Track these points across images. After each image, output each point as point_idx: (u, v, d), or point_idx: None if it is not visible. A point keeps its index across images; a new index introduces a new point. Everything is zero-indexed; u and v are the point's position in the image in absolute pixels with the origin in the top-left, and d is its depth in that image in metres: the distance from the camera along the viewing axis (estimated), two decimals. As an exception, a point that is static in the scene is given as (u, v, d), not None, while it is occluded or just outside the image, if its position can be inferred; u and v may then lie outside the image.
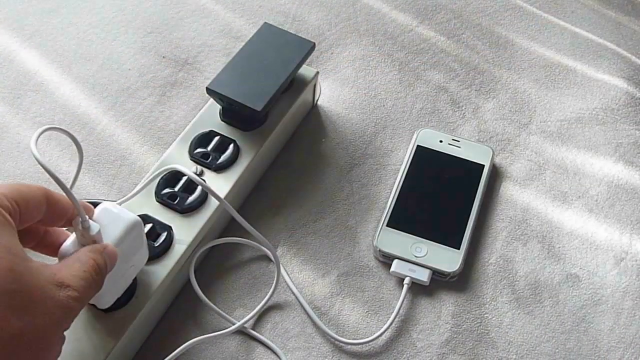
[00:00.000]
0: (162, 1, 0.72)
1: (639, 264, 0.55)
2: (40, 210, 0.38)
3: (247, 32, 0.69)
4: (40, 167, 0.37)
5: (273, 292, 0.51)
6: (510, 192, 0.59)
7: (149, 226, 0.49)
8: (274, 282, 0.51)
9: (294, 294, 0.52)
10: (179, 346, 0.48)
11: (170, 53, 0.68)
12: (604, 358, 0.50)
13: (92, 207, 0.42)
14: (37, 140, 0.37)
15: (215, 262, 0.54)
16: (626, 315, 0.52)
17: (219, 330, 0.50)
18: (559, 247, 0.56)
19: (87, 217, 0.39)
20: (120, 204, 0.45)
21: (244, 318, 0.50)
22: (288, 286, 0.53)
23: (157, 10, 0.72)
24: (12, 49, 0.67)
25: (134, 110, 0.63)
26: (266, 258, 0.54)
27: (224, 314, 0.50)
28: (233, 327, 0.49)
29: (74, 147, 0.44)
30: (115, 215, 0.41)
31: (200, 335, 0.49)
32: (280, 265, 0.53)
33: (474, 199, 0.57)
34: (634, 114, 0.65)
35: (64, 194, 0.38)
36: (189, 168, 0.53)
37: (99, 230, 0.39)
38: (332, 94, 0.66)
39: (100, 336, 0.44)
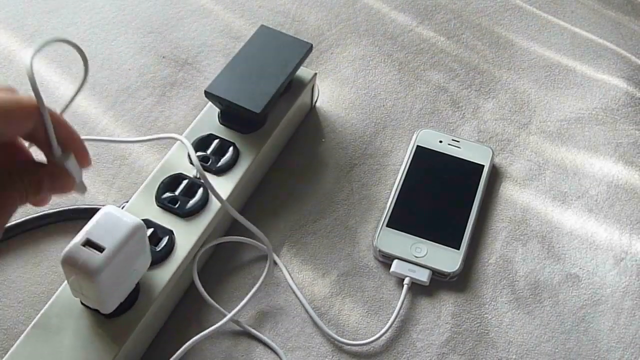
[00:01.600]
0: (162, 1, 0.72)
1: (639, 264, 0.55)
2: (25, 125, 0.36)
3: (247, 32, 0.69)
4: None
5: (265, 279, 0.51)
6: (510, 192, 0.59)
7: (150, 231, 0.49)
8: (266, 267, 0.51)
9: (294, 294, 0.52)
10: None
11: (170, 53, 0.68)
12: (604, 358, 0.50)
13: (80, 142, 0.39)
14: (35, 53, 0.35)
15: (217, 264, 0.54)
16: (626, 315, 0.52)
17: (224, 333, 0.50)
18: (559, 247, 0.56)
19: (57, 146, 0.37)
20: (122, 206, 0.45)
21: (248, 319, 0.50)
22: (289, 285, 0.53)
23: (157, 10, 0.72)
24: (12, 49, 0.67)
25: (134, 110, 0.63)
26: (268, 258, 0.54)
27: (228, 314, 0.50)
28: (224, 319, 0.49)
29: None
30: (118, 219, 0.41)
31: (204, 336, 0.49)
32: (282, 266, 0.53)
33: (473, 199, 0.57)
34: (634, 114, 0.65)
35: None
36: (189, 172, 0.53)
37: (73, 159, 0.38)
38: (331, 94, 0.66)
39: (104, 342, 0.44)
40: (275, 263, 0.53)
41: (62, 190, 0.38)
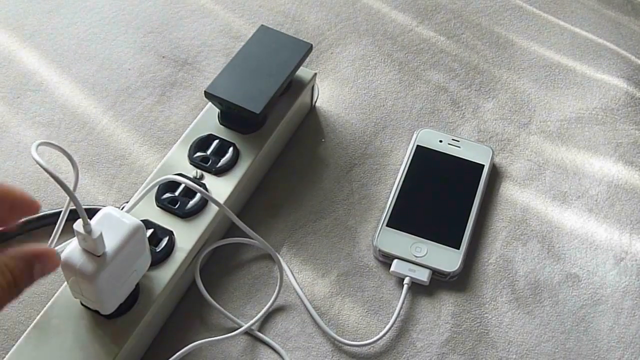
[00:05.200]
0: (162, 1, 0.72)
1: (639, 264, 0.55)
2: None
3: (247, 32, 0.69)
4: (40, 168, 0.37)
5: (277, 295, 0.51)
6: (510, 192, 0.59)
7: (150, 231, 0.49)
8: (278, 284, 0.51)
9: (297, 294, 0.52)
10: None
11: (170, 53, 0.68)
12: (604, 358, 0.50)
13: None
14: (36, 149, 0.37)
15: (218, 263, 0.54)
16: (626, 315, 0.53)
17: (225, 331, 0.50)
18: (559, 247, 0.56)
19: (89, 220, 0.39)
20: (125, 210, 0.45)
21: (248, 319, 0.50)
22: (291, 286, 0.53)
23: (157, 10, 0.72)
24: (12, 49, 0.67)
25: (134, 110, 0.63)
26: (267, 258, 0.54)
27: (230, 315, 0.50)
28: (240, 329, 0.49)
29: (73, 146, 0.44)
30: (117, 220, 0.41)
31: (207, 337, 0.49)
32: (284, 266, 0.53)
33: (473, 199, 0.57)
34: (633, 114, 0.65)
35: (67, 196, 0.37)
36: (189, 172, 0.53)
37: (101, 235, 0.39)
38: (331, 94, 0.66)
39: (104, 343, 0.44)
40: (280, 270, 0.52)
41: (49, 272, 0.38)
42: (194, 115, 0.61)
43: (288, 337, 0.50)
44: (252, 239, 0.50)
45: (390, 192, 0.58)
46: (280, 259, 0.51)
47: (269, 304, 0.51)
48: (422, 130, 0.62)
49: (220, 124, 0.56)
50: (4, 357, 0.44)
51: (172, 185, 0.52)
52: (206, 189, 0.52)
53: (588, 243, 0.56)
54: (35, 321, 0.45)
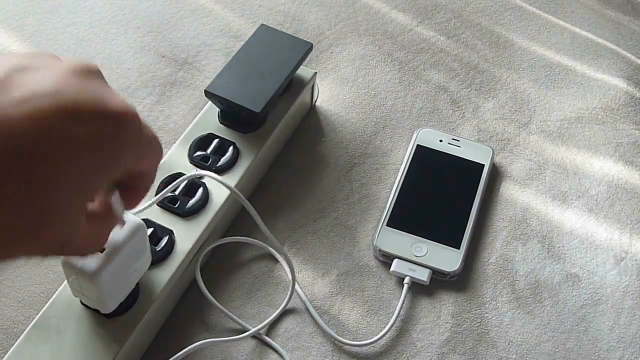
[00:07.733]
0: (162, 1, 0.72)
1: (639, 264, 0.55)
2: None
3: (247, 31, 0.69)
4: None
5: (289, 300, 0.50)
6: (510, 191, 0.59)
7: (150, 230, 0.48)
8: (290, 289, 0.50)
9: (297, 294, 0.52)
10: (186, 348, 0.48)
11: (170, 52, 0.68)
12: (604, 357, 0.50)
13: None
14: None
15: (218, 262, 0.54)
16: (626, 314, 0.52)
17: (225, 331, 0.50)
18: (559, 247, 0.56)
19: None
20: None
21: (249, 319, 0.50)
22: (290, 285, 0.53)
23: (157, 10, 0.72)
24: (12, 49, 0.67)
25: (134, 109, 0.63)
26: (268, 258, 0.54)
27: (233, 316, 0.50)
28: (247, 333, 0.49)
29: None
30: None
31: (208, 337, 0.49)
32: (285, 266, 0.53)
33: (473, 199, 0.57)
34: (633, 114, 0.65)
35: None
36: (189, 171, 0.53)
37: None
38: (331, 93, 0.66)
39: (104, 342, 0.44)
40: (292, 274, 0.52)
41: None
42: (194, 114, 0.61)
43: (288, 337, 0.50)
44: (255, 236, 0.50)
45: (390, 191, 0.58)
46: (287, 260, 0.51)
47: (280, 308, 0.50)
48: (422, 129, 0.62)
49: (220, 123, 0.56)
50: (4, 356, 0.44)
51: (171, 184, 0.52)
52: (206, 188, 0.52)
53: (588, 243, 0.56)
54: (34, 320, 0.45)
